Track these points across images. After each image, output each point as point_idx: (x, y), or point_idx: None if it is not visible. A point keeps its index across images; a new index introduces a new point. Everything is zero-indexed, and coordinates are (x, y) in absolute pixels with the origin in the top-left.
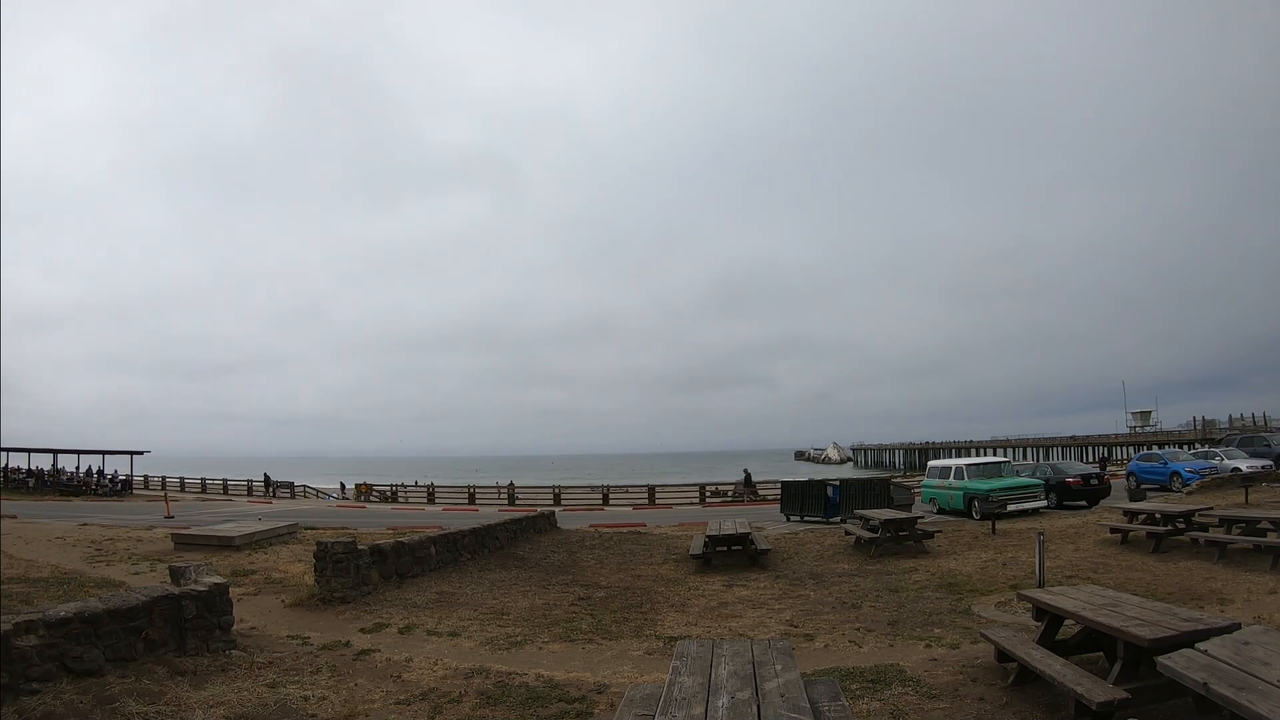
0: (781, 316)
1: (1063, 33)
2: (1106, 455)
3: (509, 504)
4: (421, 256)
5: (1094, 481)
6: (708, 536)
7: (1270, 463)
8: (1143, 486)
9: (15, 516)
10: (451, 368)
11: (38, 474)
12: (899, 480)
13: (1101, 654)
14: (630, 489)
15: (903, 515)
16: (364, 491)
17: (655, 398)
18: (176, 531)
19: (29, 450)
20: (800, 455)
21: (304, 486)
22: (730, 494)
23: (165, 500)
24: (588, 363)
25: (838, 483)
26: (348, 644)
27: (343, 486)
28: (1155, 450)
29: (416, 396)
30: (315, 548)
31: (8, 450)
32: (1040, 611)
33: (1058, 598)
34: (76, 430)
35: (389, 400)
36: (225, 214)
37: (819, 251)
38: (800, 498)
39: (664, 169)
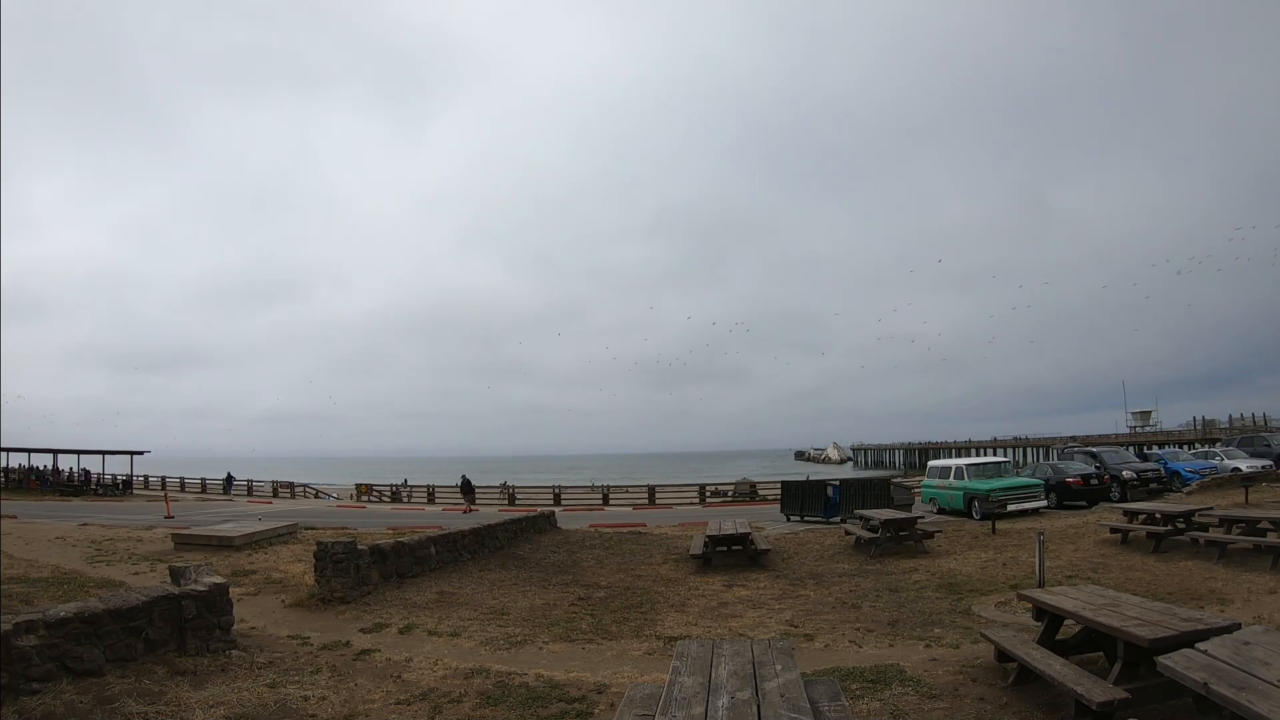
0: (778, 310)
1: (1070, 23)
2: None
3: (509, 504)
4: (363, 232)
5: (1094, 481)
6: (708, 536)
7: (1270, 463)
8: None
9: (15, 516)
10: (414, 358)
11: (39, 473)
12: (899, 480)
13: (1102, 654)
14: (630, 489)
15: (903, 515)
16: (364, 491)
17: (643, 394)
18: (176, 531)
19: (29, 450)
20: (800, 455)
21: (305, 486)
22: (732, 494)
23: (165, 500)
24: (560, 353)
25: (838, 483)
26: (348, 644)
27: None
28: (1155, 450)
29: (391, 392)
30: (315, 548)
31: (8, 450)
32: (1040, 611)
33: (1058, 598)
34: (51, 429)
35: (367, 398)
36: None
37: (819, 243)
38: (800, 498)
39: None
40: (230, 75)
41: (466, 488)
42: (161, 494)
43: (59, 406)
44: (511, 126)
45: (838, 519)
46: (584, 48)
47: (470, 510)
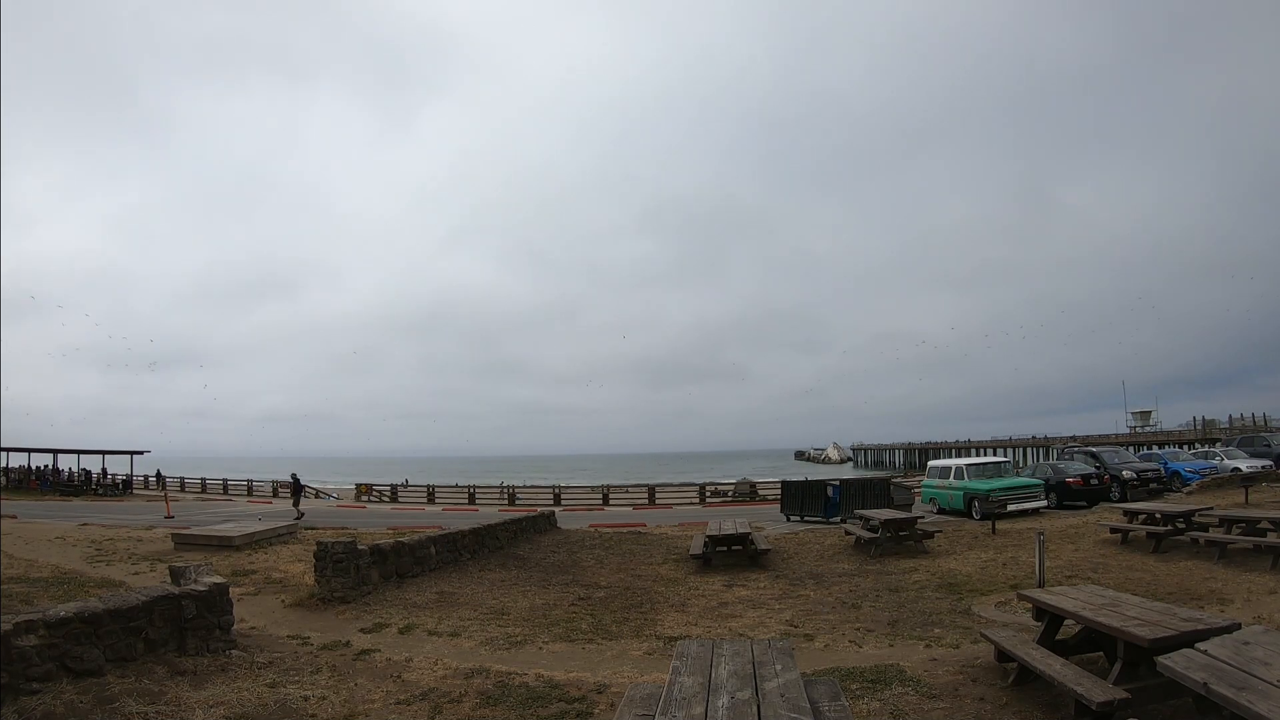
0: (778, 309)
1: (1070, 19)
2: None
3: (509, 504)
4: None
5: (1094, 481)
6: (708, 536)
7: (1270, 463)
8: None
9: (15, 516)
10: (411, 357)
11: (39, 473)
12: (899, 480)
13: (1101, 654)
14: (630, 489)
15: (903, 515)
16: (364, 491)
17: (642, 393)
18: (176, 531)
19: (29, 450)
20: (800, 455)
21: (304, 486)
22: (732, 493)
23: (165, 500)
24: (557, 352)
25: (838, 483)
26: (348, 644)
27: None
28: (1155, 450)
29: (389, 391)
30: (315, 548)
31: (8, 450)
32: (1040, 611)
33: (1058, 598)
34: (49, 429)
35: (365, 397)
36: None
37: (819, 241)
38: (800, 498)
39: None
40: (216, 64)
41: (295, 488)
42: (161, 494)
43: (55, 406)
44: (508, 122)
45: (838, 519)
46: (583, 45)
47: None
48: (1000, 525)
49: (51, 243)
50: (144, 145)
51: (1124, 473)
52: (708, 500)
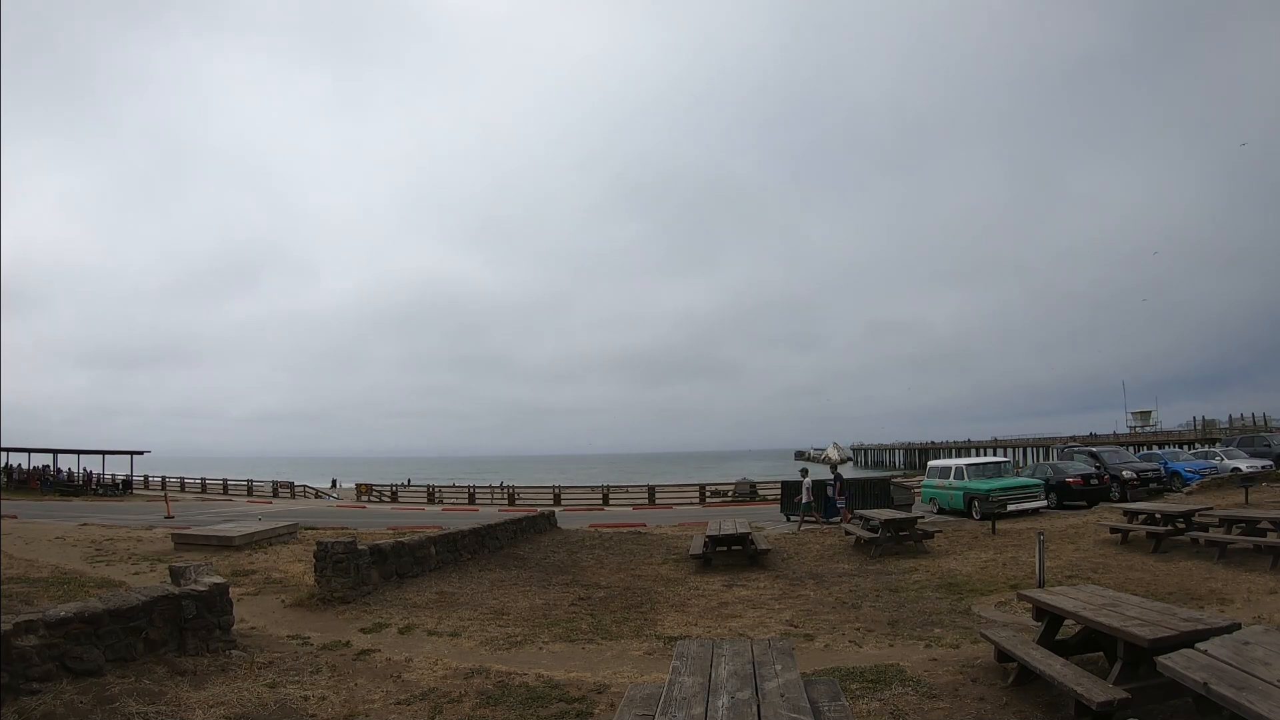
0: (775, 304)
1: (1069, 6)
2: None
3: (509, 504)
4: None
5: (1094, 481)
6: (708, 536)
7: (1270, 463)
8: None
9: (15, 516)
10: (397, 354)
11: (41, 473)
12: (899, 480)
13: (1102, 654)
14: (630, 489)
15: (903, 515)
16: (363, 492)
17: (640, 392)
18: (176, 531)
19: (29, 450)
20: (800, 455)
21: (304, 486)
22: (732, 494)
23: (165, 500)
24: (550, 349)
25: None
26: (348, 644)
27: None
28: (1155, 450)
29: (376, 389)
30: (315, 548)
31: (8, 450)
32: (1040, 611)
33: (1058, 598)
34: (37, 429)
35: (356, 396)
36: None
37: (817, 236)
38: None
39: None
40: (184, 37)
41: None
42: (161, 494)
43: (43, 404)
44: (499, 114)
45: (838, 519)
46: (580, 35)
47: None
48: (1000, 525)
49: (14, 233)
50: (99, 132)
51: (1124, 473)
52: (708, 500)
